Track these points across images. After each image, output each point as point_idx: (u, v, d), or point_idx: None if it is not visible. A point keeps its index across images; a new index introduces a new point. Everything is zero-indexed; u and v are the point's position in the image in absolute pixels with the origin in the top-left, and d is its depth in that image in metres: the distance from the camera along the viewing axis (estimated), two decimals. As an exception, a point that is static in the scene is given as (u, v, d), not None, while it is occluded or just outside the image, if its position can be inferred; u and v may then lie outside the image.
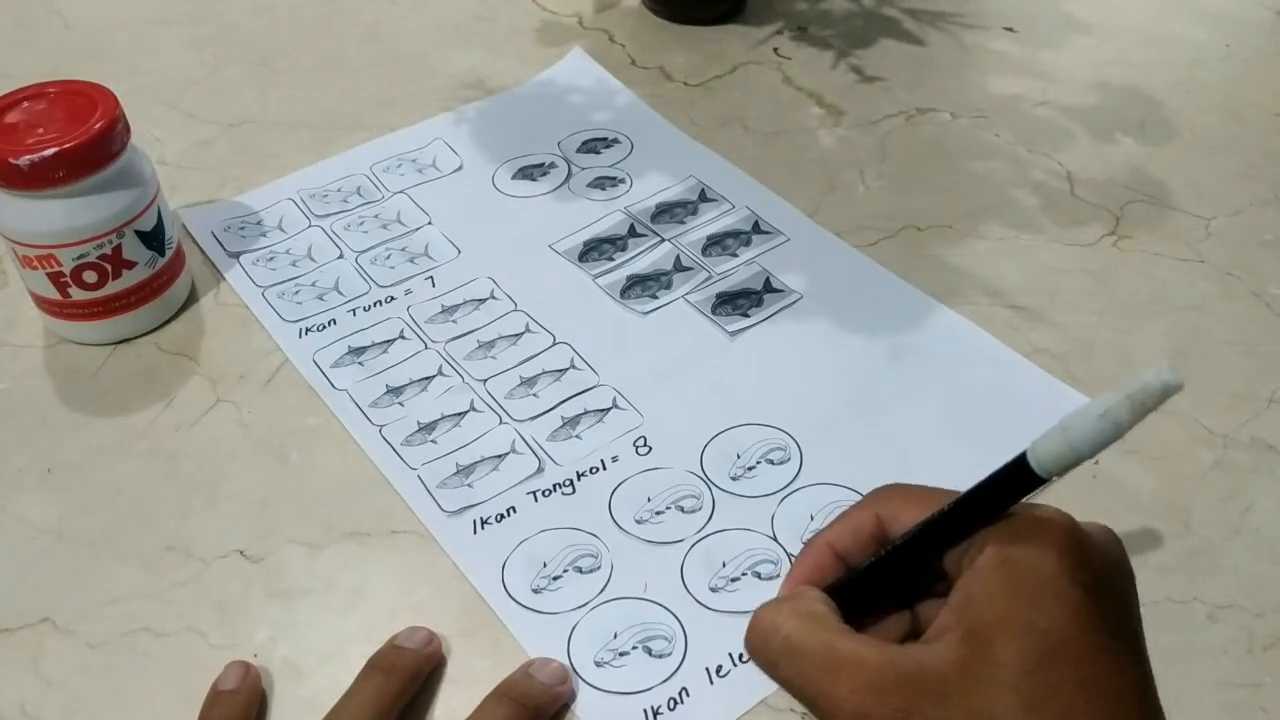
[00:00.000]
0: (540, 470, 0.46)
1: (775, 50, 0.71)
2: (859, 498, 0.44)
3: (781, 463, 0.46)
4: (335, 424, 0.48)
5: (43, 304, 0.51)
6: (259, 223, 0.59)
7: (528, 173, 0.62)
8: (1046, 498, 0.45)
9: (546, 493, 0.45)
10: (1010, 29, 0.73)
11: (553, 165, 0.62)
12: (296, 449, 0.48)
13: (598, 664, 0.39)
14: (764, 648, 0.33)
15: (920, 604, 0.35)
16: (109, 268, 0.50)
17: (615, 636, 0.40)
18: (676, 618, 0.41)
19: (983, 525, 0.32)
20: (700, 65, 0.70)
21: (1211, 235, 0.57)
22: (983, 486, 0.32)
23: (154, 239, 0.51)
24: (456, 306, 0.54)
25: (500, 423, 0.48)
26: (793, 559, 0.42)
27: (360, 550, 0.44)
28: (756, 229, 0.57)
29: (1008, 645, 0.29)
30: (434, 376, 0.50)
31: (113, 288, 0.51)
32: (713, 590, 0.42)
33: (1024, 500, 0.32)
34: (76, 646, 0.41)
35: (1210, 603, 0.41)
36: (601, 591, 0.42)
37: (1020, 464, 0.31)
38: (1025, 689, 0.28)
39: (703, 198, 0.59)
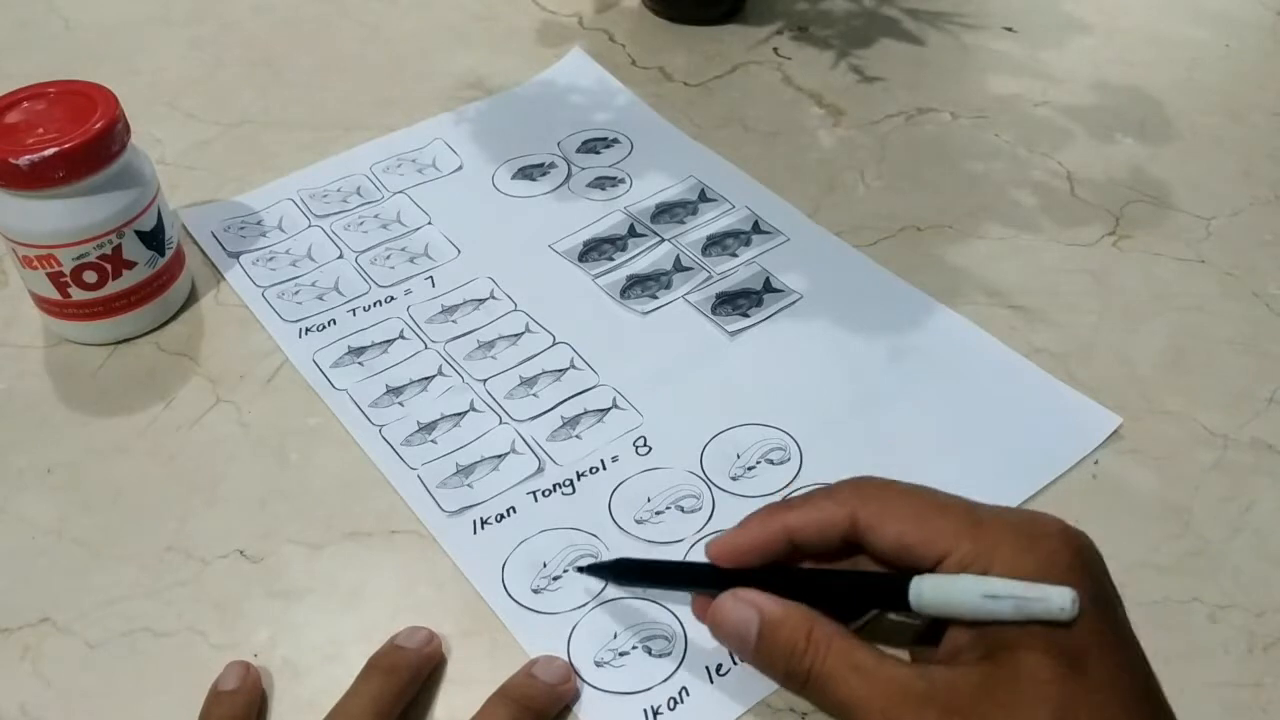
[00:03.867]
0: (540, 470, 0.46)
1: (775, 50, 0.71)
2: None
3: (781, 463, 0.46)
4: (335, 424, 0.48)
5: (43, 304, 0.51)
6: (259, 223, 0.59)
7: (528, 173, 0.62)
8: (1047, 495, 0.45)
9: (546, 493, 0.45)
10: (1010, 29, 0.73)
11: (553, 165, 0.62)
12: (296, 449, 0.48)
13: (598, 664, 0.39)
14: (793, 664, 0.33)
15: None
16: (109, 268, 0.50)
17: (615, 636, 0.40)
18: (676, 617, 0.41)
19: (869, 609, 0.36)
20: (700, 65, 0.70)
21: (1211, 235, 0.57)
22: (861, 582, 0.34)
23: (154, 239, 0.51)
24: (456, 306, 0.54)
25: (500, 423, 0.48)
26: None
27: (360, 550, 0.44)
28: (756, 229, 0.57)
29: (1030, 658, 0.30)
30: (434, 376, 0.50)
31: (113, 288, 0.51)
32: (713, 590, 0.42)
33: (1016, 505, 0.33)
34: (76, 646, 0.41)
35: (1210, 603, 0.41)
36: (601, 591, 0.42)
37: (898, 588, 0.33)
38: (1054, 700, 0.29)
39: (703, 198, 0.59)
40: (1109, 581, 0.32)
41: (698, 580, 0.38)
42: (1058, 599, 0.29)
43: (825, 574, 0.35)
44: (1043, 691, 0.29)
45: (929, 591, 0.32)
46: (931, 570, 0.32)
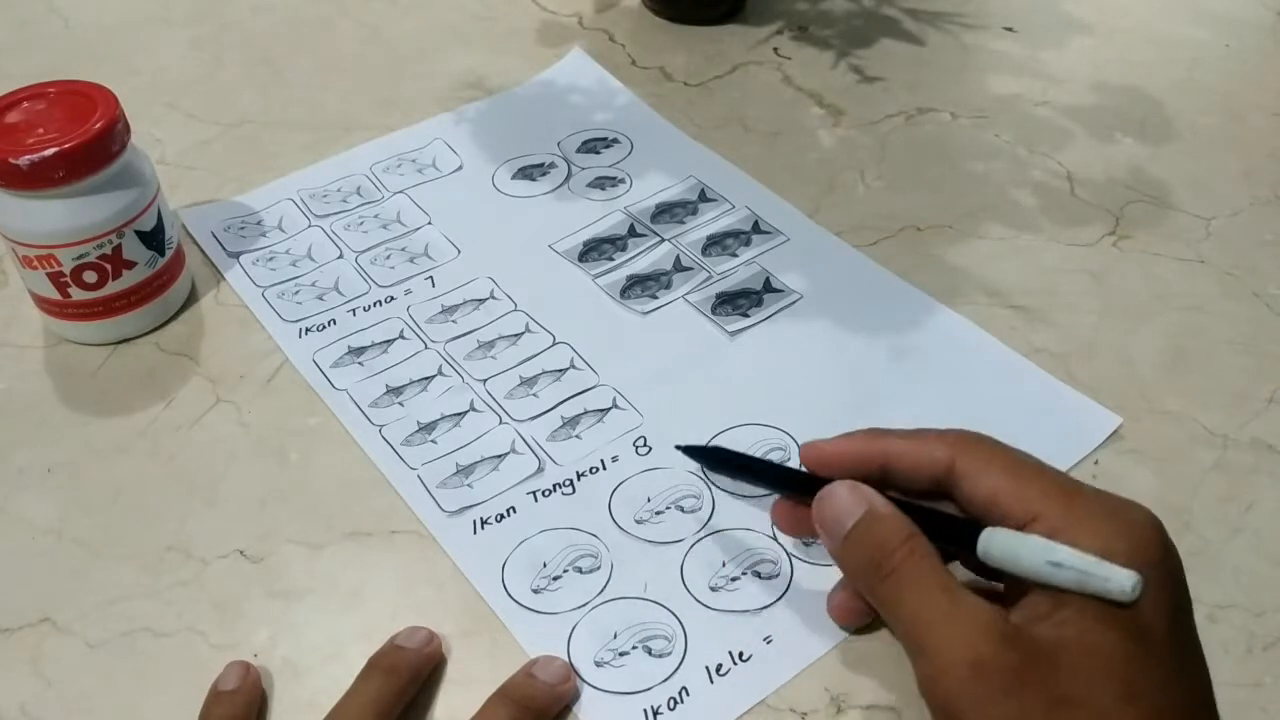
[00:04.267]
0: (540, 470, 0.46)
1: (775, 50, 0.71)
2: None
3: (782, 463, 0.46)
4: (335, 424, 0.48)
5: (43, 304, 0.51)
6: (259, 223, 0.59)
7: (528, 173, 0.62)
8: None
9: (546, 493, 0.45)
10: (1010, 29, 0.73)
11: (553, 165, 0.62)
12: (296, 449, 0.48)
13: (598, 664, 0.39)
14: (883, 557, 0.33)
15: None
16: (109, 268, 0.50)
17: (615, 636, 0.40)
18: (676, 617, 0.41)
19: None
20: (700, 65, 0.70)
21: (1211, 235, 0.57)
22: (936, 519, 0.35)
23: (154, 239, 0.51)
24: (456, 306, 0.54)
25: (500, 423, 0.48)
26: (794, 558, 0.42)
27: (360, 550, 0.44)
28: (756, 229, 0.57)
29: (1108, 635, 0.30)
30: (434, 376, 0.50)
31: (113, 288, 0.51)
32: (713, 590, 0.42)
33: (1105, 490, 0.34)
34: (76, 646, 0.41)
35: (1210, 603, 0.41)
36: (601, 591, 0.42)
37: (969, 533, 0.33)
38: (1123, 679, 0.30)
39: (703, 198, 0.59)
40: (1185, 580, 0.32)
41: (788, 483, 0.39)
42: (1122, 581, 0.30)
43: (904, 503, 0.36)
44: (1116, 670, 0.30)
45: (997, 545, 0.32)
46: (1017, 530, 0.33)
